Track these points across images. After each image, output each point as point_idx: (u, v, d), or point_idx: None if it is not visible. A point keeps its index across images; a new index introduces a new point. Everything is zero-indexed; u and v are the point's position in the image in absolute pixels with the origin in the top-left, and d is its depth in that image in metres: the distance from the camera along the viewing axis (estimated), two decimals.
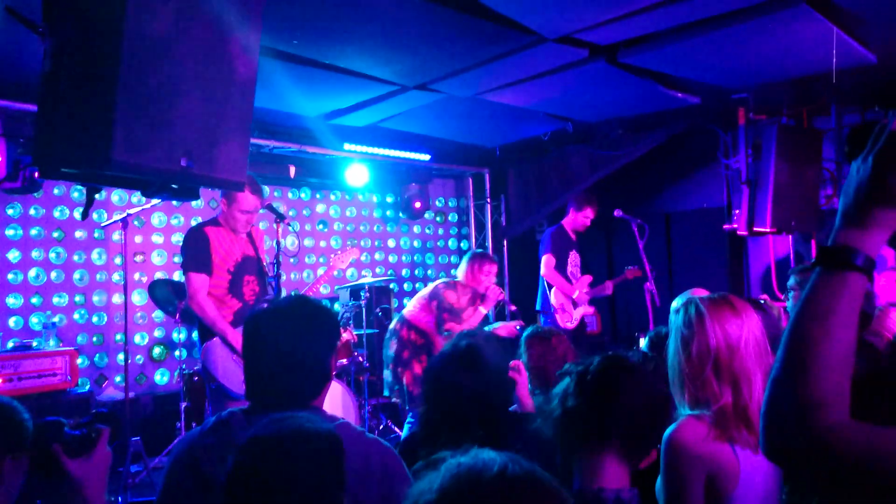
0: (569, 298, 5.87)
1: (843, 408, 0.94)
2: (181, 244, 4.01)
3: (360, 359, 5.83)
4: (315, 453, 1.30)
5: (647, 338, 2.99)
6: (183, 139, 2.24)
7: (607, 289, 5.95)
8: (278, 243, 4.08)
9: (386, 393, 5.20)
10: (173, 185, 2.38)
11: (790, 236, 6.18)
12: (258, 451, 1.29)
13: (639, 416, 1.54)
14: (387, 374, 5.12)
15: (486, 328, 5.03)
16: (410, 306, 5.15)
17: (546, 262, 5.90)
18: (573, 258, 6.02)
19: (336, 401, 5.27)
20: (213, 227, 3.99)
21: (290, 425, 1.32)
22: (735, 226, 5.89)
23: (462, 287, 5.02)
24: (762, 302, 3.40)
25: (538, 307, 6.01)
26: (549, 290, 5.92)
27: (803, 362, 0.94)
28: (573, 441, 1.55)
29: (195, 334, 4.80)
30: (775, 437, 0.96)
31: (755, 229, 5.58)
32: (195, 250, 3.88)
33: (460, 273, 5.07)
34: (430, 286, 5.16)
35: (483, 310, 5.02)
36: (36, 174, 4.59)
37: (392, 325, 5.20)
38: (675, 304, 3.51)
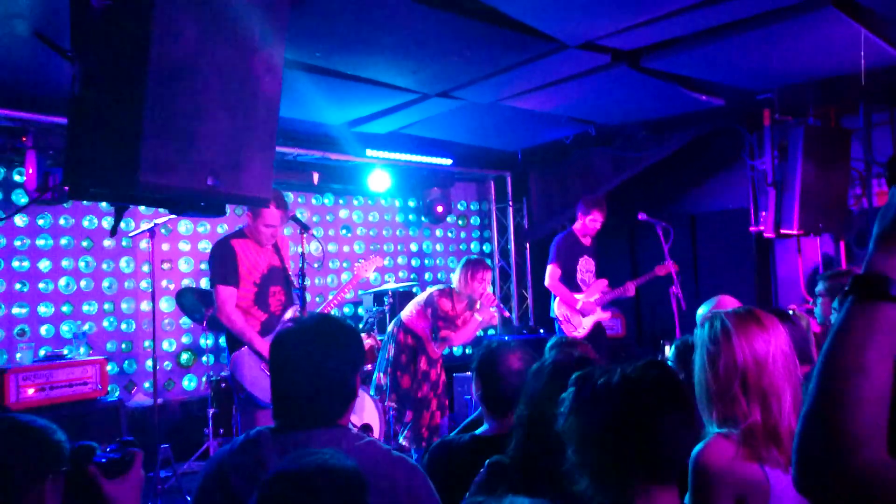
0: (572, 308, 5.79)
1: (880, 445, 0.90)
2: (209, 256, 4.06)
3: None
4: (338, 490, 1.31)
5: (672, 346, 2.94)
6: (209, 158, 2.27)
7: (629, 290, 5.83)
8: (303, 255, 4.11)
9: (371, 393, 5.20)
10: (200, 203, 2.41)
11: (818, 238, 6.09)
12: (282, 487, 1.31)
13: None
14: (381, 378, 5.12)
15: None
16: (407, 311, 5.16)
17: (549, 273, 5.81)
18: (584, 264, 5.92)
19: (360, 406, 5.30)
20: (240, 240, 4.03)
21: (315, 461, 1.34)
22: (762, 228, 5.81)
23: (457, 294, 5.01)
24: (790, 313, 3.34)
25: (552, 314, 5.96)
26: (553, 301, 5.87)
27: (837, 398, 0.91)
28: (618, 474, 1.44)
29: (223, 340, 4.87)
30: (808, 475, 0.93)
31: (782, 231, 5.51)
32: (222, 263, 3.94)
33: (454, 280, 5.04)
34: (426, 292, 5.15)
35: (478, 317, 5.00)
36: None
37: (389, 329, 5.21)
38: (701, 310, 3.48)
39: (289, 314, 4.14)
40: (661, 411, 1.41)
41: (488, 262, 5.26)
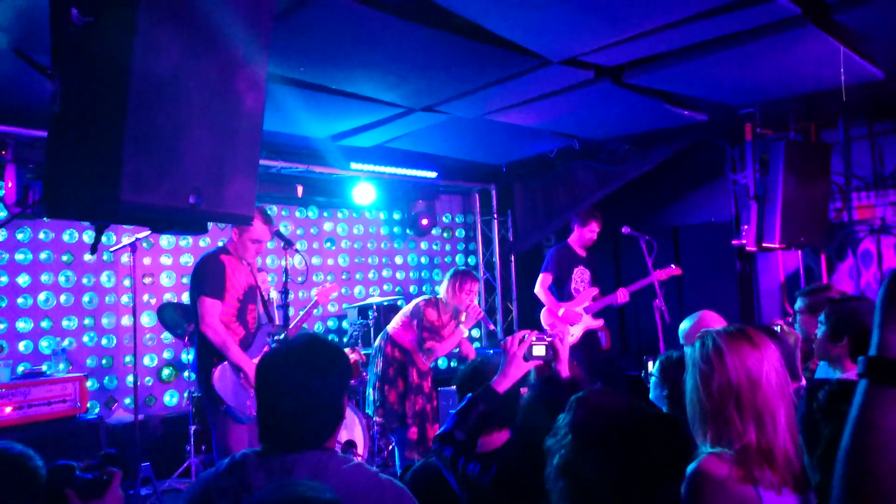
0: (555, 316, 5.82)
1: None
2: (195, 270, 4.02)
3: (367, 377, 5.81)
4: None
5: (657, 362, 2.93)
6: (191, 176, 2.25)
7: (619, 297, 5.83)
8: (286, 270, 4.09)
9: (369, 411, 5.18)
10: (182, 221, 2.38)
11: (800, 250, 6.15)
12: None
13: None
14: (371, 393, 5.10)
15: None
16: (394, 323, 5.15)
17: (540, 281, 5.89)
18: (579, 274, 5.96)
19: (345, 421, 5.25)
20: (226, 256, 4.03)
21: (292, 493, 1.31)
22: (744, 241, 5.86)
23: (443, 305, 5.00)
24: (777, 329, 3.36)
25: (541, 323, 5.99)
26: (542, 310, 5.91)
27: (863, 490, 0.87)
28: None
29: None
30: None
31: (764, 245, 5.56)
32: (212, 276, 3.92)
33: (442, 290, 5.03)
34: (412, 303, 5.13)
35: (464, 329, 5.00)
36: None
37: (377, 343, 5.20)
38: (684, 325, 3.49)
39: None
40: (662, 478, 1.38)
41: (476, 273, 5.26)
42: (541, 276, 5.91)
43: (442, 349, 5.00)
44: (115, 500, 1.73)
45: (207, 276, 3.93)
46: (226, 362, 3.92)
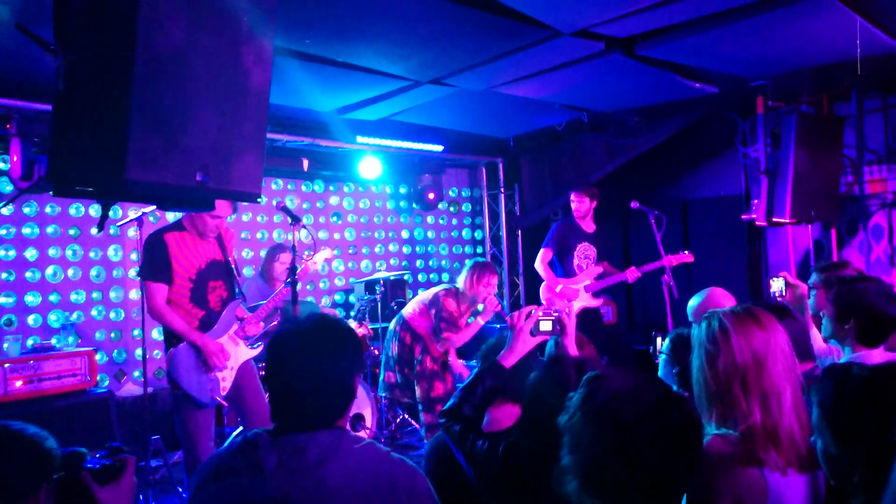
0: (552, 291, 5.80)
1: None
2: (142, 250, 3.84)
3: (376, 352, 5.83)
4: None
5: (668, 340, 2.88)
6: (198, 154, 2.22)
7: (629, 276, 5.77)
8: (293, 246, 4.04)
9: (382, 393, 5.21)
10: (189, 199, 2.36)
11: (810, 225, 6.09)
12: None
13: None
14: (391, 376, 5.12)
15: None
16: (410, 308, 5.15)
17: (539, 256, 5.87)
18: (582, 250, 5.90)
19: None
20: (176, 233, 3.82)
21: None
22: (753, 216, 5.80)
23: (462, 295, 4.99)
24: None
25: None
26: (542, 285, 5.89)
27: None
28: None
29: None
30: None
31: (774, 219, 5.50)
32: (152, 258, 3.73)
33: (460, 281, 5.01)
34: (431, 291, 5.13)
35: (481, 321, 4.99)
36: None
37: (392, 327, 5.20)
38: (692, 302, 3.46)
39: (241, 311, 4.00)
40: (674, 455, 1.36)
41: (496, 266, 5.23)
42: (541, 251, 5.88)
43: (458, 340, 4.99)
44: (129, 485, 1.75)
45: (147, 258, 3.74)
46: (182, 344, 3.78)
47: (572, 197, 5.93)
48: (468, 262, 5.08)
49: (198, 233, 3.84)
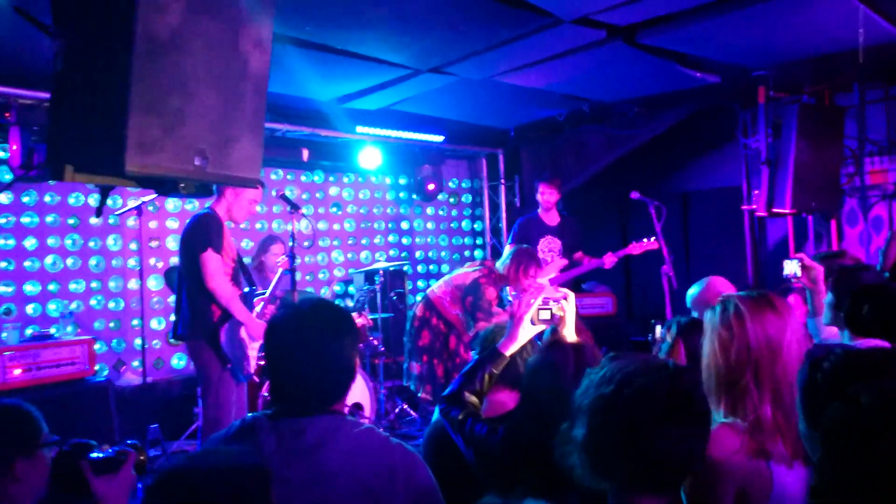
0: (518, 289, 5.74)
1: None
2: (192, 228, 3.86)
3: (375, 342, 5.83)
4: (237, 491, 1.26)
5: (674, 324, 2.82)
6: (196, 138, 2.21)
7: (606, 262, 5.69)
8: (293, 235, 4.04)
9: (410, 385, 5.03)
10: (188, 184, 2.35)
11: (810, 216, 6.08)
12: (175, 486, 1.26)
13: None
14: (416, 367, 4.92)
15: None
16: (440, 292, 4.91)
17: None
18: (546, 243, 5.83)
19: (353, 385, 5.27)
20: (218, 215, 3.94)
21: (210, 461, 1.29)
22: (754, 206, 5.80)
23: (500, 280, 4.77)
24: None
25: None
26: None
27: None
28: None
29: None
30: None
31: (774, 210, 5.49)
32: (212, 232, 3.77)
33: (503, 266, 4.77)
34: (462, 272, 4.89)
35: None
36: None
37: (419, 313, 4.95)
38: (692, 291, 3.44)
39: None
40: (669, 424, 1.31)
41: (494, 258, 5.07)
42: (505, 248, 5.83)
43: (484, 328, 4.89)
44: (127, 478, 1.77)
45: (211, 232, 3.77)
46: (232, 319, 3.83)
47: (542, 189, 5.90)
48: (513, 249, 4.88)
49: (230, 219, 3.94)
